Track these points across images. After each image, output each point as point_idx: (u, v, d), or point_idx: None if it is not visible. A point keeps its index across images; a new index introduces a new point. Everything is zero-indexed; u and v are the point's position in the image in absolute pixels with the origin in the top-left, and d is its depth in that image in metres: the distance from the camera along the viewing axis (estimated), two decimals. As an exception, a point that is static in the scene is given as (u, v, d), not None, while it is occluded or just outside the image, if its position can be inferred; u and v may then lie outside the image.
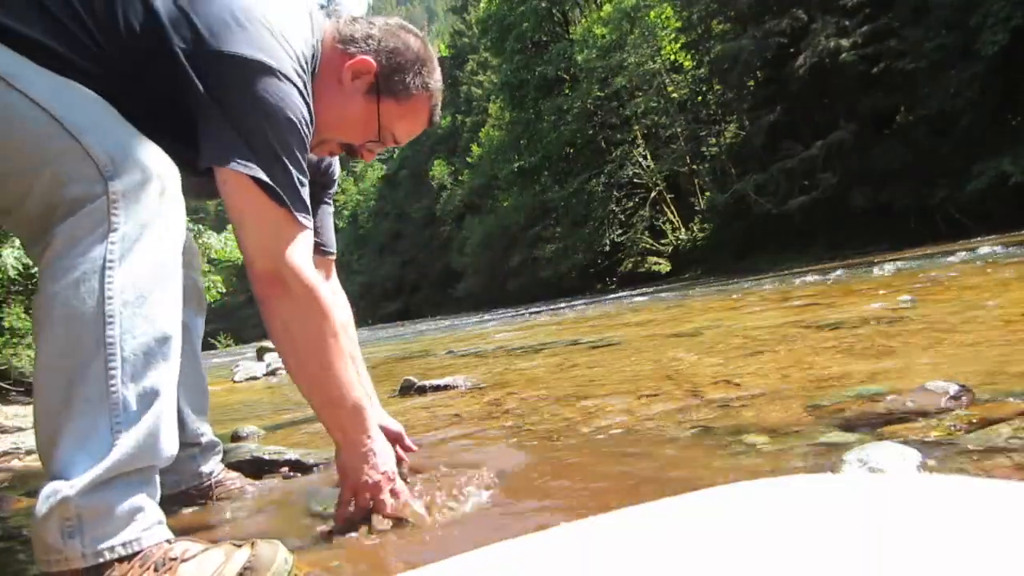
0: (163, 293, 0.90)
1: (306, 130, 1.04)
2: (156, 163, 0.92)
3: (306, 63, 1.07)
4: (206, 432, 1.45)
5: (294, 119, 1.00)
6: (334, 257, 1.53)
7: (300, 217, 1.02)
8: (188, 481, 1.42)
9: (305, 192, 1.05)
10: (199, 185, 1.10)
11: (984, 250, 7.04)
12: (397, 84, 1.18)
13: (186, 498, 1.42)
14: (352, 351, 1.43)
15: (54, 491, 0.81)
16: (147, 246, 0.88)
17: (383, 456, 1.11)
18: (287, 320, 1.03)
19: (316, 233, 1.42)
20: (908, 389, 1.44)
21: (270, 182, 0.98)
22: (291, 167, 1.01)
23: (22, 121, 0.86)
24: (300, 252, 1.03)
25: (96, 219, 0.86)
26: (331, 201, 1.53)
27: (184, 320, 1.31)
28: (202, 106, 0.96)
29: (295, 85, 1.01)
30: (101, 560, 0.82)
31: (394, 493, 1.10)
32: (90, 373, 0.83)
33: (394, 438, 1.40)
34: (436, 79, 1.23)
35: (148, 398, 0.87)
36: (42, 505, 0.81)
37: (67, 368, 0.84)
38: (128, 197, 0.87)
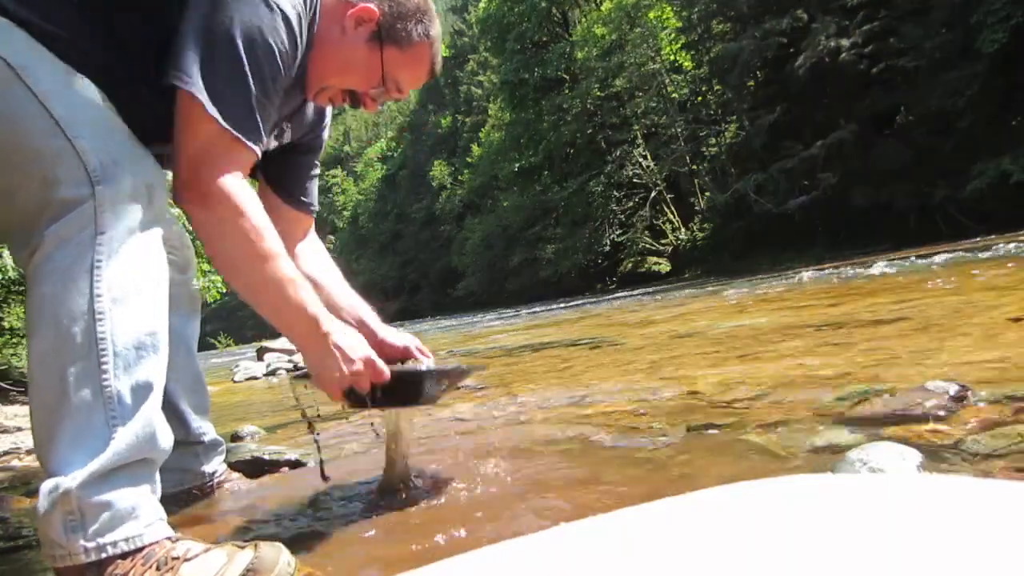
0: (151, 289, 0.92)
1: (281, 59, 1.03)
2: (146, 171, 0.93)
3: (304, 6, 1.07)
4: (208, 431, 1.45)
5: (270, 42, 1.00)
6: (314, 214, 1.49)
7: (244, 137, 1.00)
8: (191, 480, 1.43)
9: (265, 115, 1.03)
10: None
11: (984, 250, 7.04)
12: (400, 31, 1.19)
13: (188, 497, 1.42)
14: (340, 295, 1.38)
15: (55, 486, 0.81)
16: (133, 248, 0.90)
17: (350, 346, 1.06)
18: (209, 237, 1.01)
19: (299, 187, 1.41)
20: (908, 389, 1.45)
21: (207, 99, 0.96)
22: (252, 86, 0.99)
23: (22, 117, 0.86)
24: (233, 171, 1.00)
25: (83, 222, 0.86)
26: (317, 164, 1.50)
27: (177, 322, 1.31)
28: (184, 22, 0.97)
29: (284, 13, 1.01)
30: (103, 555, 0.82)
31: (378, 374, 1.07)
32: (83, 370, 0.84)
33: (402, 354, 1.33)
34: (436, 29, 1.24)
35: (142, 391, 0.88)
36: (44, 500, 0.81)
37: (60, 366, 0.84)
38: (115, 201, 0.88)
